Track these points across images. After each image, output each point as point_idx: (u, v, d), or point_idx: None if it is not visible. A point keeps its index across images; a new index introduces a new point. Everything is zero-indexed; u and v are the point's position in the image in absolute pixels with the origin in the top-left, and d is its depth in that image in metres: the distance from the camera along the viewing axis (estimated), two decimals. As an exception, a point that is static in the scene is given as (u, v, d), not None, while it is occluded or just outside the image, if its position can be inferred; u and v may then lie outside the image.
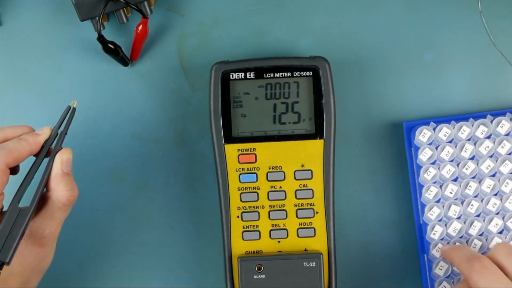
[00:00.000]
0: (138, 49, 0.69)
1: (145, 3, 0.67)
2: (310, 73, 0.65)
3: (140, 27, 0.67)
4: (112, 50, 0.67)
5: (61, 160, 0.58)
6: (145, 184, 0.70)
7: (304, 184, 0.65)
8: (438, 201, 0.68)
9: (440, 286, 0.67)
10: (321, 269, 0.64)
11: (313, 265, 0.64)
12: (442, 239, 0.67)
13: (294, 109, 0.66)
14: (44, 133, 0.58)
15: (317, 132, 0.65)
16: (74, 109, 0.60)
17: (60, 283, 0.68)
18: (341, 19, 0.71)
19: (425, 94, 0.70)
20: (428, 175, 0.67)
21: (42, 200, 0.58)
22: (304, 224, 0.65)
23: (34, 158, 0.58)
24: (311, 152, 0.65)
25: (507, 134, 0.68)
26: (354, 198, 0.70)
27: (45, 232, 0.57)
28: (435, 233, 0.67)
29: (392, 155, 0.70)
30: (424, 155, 0.67)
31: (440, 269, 0.67)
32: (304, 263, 0.64)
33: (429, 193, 0.67)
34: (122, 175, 0.70)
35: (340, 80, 0.69)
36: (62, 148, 0.59)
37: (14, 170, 0.58)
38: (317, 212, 0.65)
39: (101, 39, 0.66)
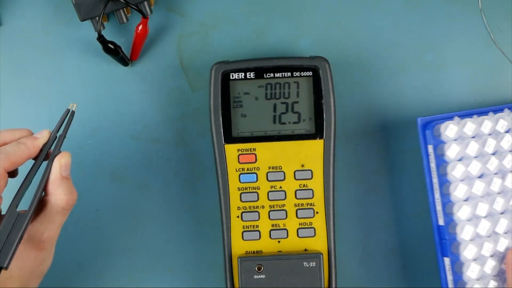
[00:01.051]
0: (138, 49, 0.69)
1: (145, 3, 0.67)
2: (310, 73, 0.65)
3: (140, 27, 0.67)
4: (112, 50, 0.67)
5: (60, 164, 0.57)
6: (145, 184, 0.70)
7: (304, 184, 0.65)
8: (466, 200, 0.65)
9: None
10: (321, 269, 0.64)
11: (313, 265, 0.64)
12: (472, 240, 0.65)
13: (294, 109, 0.66)
14: (42, 137, 0.58)
15: (317, 132, 0.65)
16: (73, 112, 0.60)
17: (60, 283, 0.68)
18: (341, 19, 0.71)
19: (425, 94, 0.70)
20: (456, 172, 0.64)
21: (41, 204, 0.57)
22: (304, 224, 0.65)
23: (33, 161, 0.58)
24: (311, 152, 0.65)
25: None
26: (354, 198, 0.70)
27: (43, 236, 0.57)
28: (465, 233, 0.64)
29: (393, 155, 0.70)
30: (452, 151, 0.64)
31: (472, 272, 0.64)
32: (304, 263, 0.64)
33: (459, 192, 0.64)
34: (122, 175, 0.70)
35: (340, 80, 0.69)
36: (60, 152, 0.58)
37: (12, 173, 0.58)
38: (317, 212, 0.65)
39: (101, 39, 0.66)
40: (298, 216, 0.65)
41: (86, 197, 0.69)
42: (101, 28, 0.65)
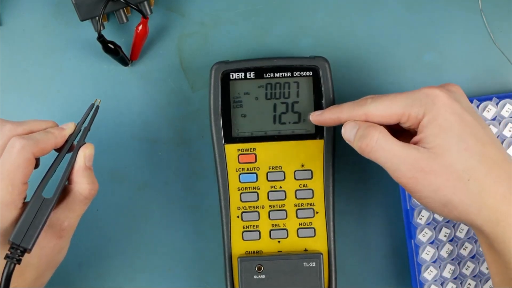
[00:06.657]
0: (138, 49, 0.69)
1: (145, 3, 0.67)
2: (310, 73, 0.65)
3: (140, 27, 0.67)
4: (112, 50, 0.67)
5: (84, 154, 0.60)
6: (145, 184, 0.70)
7: (304, 184, 0.65)
8: None
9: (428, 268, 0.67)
10: (321, 269, 0.64)
11: (313, 265, 0.64)
12: (428, 224, 0.67)
13: (294, 109, 0.66)
14: (69, 128, 0.60)
15: (317, 132, 0.65)
16: (97, 106, 0.61)
17: (60, 283, 0.68)
18: (341, 19, 0.71)
19: (425, 94, 0.70)
20: None
21: (64, 192, 0.59)
22: (304, 224, 0.65)
23: (55, 153, 0.60)
24: (311, 152, 0.65)
25: (493, 119, 0.68)
26: (354, 198, 0.70)
27: (64, 224, 0.58)
28: (421, 218, 0.67)
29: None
30: None
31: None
32: (304, 263, 0.64)
33: None
34: (122, 175, 0.70)
35: (340, 80, 0.69)
36: (85, 143, 0.60)
37: (35, 164, 0.59)
38: (317, 212, 0.65)
39: (101, 39, 0.66)
40: (298, 216, 0.65)
41: (86, 197, 0.69)
42: (101, 28, 0.65)
